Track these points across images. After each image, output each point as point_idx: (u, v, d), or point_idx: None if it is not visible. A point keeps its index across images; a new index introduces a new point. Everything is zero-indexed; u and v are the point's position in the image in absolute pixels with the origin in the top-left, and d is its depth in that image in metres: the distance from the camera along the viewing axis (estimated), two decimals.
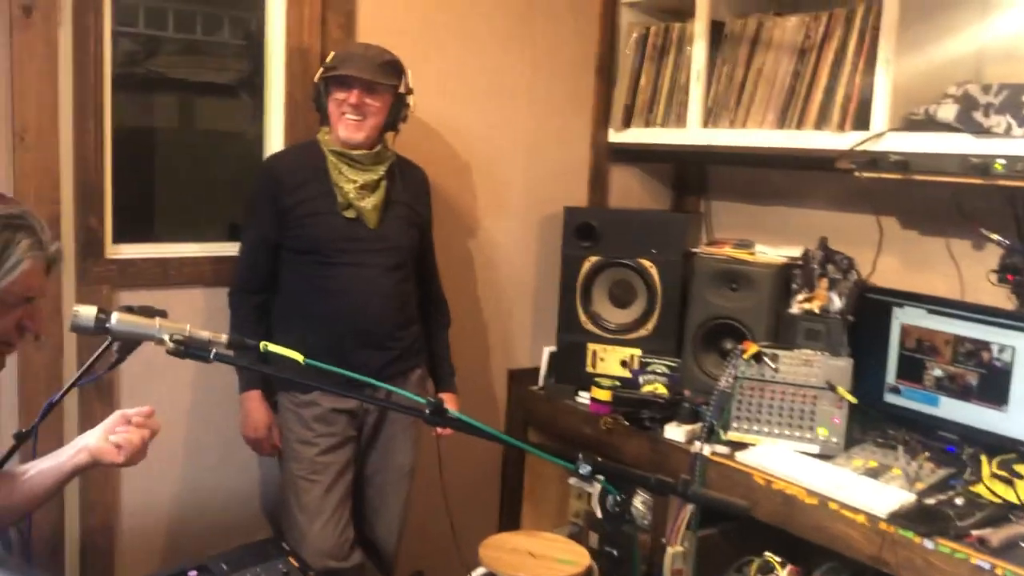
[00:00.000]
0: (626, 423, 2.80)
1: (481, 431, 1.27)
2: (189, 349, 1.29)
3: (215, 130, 3.04)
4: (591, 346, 3.07)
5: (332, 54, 2.47)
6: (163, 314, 1.87)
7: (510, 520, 3.33)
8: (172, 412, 2.62)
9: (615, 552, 1.32)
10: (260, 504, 2.81)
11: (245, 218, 2.57)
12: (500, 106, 3.13)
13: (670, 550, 2.53)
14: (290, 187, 2.45)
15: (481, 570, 2.63)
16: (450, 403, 2.68)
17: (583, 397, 3.02)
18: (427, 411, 1.29)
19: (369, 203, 2.47)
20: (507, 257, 3.24)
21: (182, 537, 2.69)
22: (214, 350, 1.30)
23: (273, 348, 1.33)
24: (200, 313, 2.62)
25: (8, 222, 1.50)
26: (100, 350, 1.91)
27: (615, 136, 3.31)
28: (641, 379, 2.92)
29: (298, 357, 1.34)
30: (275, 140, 2.75)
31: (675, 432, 2.64)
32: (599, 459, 1.32)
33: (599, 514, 1.38)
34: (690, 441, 2.59)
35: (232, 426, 2.64)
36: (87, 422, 2.46)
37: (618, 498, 1.31)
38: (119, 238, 2.53)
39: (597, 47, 3.29)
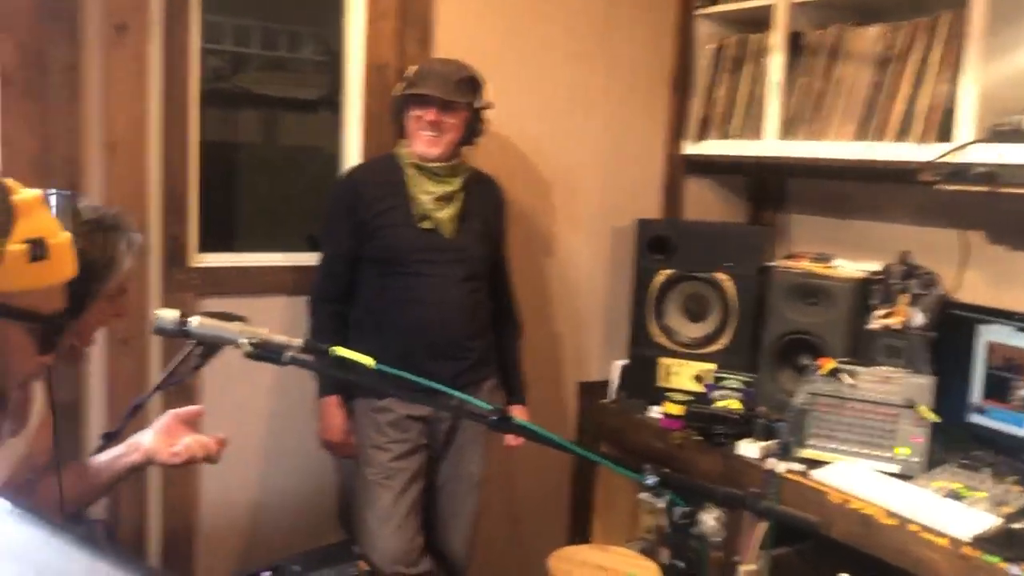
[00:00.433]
0: (698, 438, 2.77)
1: (545, 439, 1.27)
2: (264, 352, 1.33)
3: (296, 144, 3.12)
4: (663, 360, 3.05)
5: (412, 69, 2.52)
6: (243, 320, 1.94)
7: (580, 533, 3.31)
8: (251, 416, 2.69)
9: (681, 564, 1.31)
10: (335, 508, 2.86)
11: (324, 229, 2.63)
12: (576, 119, 3.14)
13: (742, 568, 2.48)
14: (368, 199, 2.51)
15: None
16: (521, 415, 2.70)
17: (654, 411, 2.99)
18: (493, 418, 1.30)
19: (446, 214, 2.51)
20: (580, 269, 3.24)
21: (258, 538, 2.75)
22: (288, 354, 1.34)
23: (343, 352, 1.36)
24: (280, 321, 2.69)
25: (105, 224, 1.59)
26: (183, 354, 1.99)
27: (690, 148, 3.29)
28: (714, 394, 2.88)
29: (369, 361, 1.37)
30: (352, 154, 2.82)
31: (749, 448, 2.60)
32: (666, 470, 1.31)
33: (666, 527, 1.36)
34: (764, 458, 2.54)
35: (309, 431, 2.70)
36: None
37: (685, 510, 1.29)
38: (204, 247, 2.61)
39: (673, 60, 3.28)
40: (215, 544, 2.68)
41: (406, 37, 2.76)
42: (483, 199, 2.63)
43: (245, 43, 2.98)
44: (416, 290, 2.50)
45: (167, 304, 2.49)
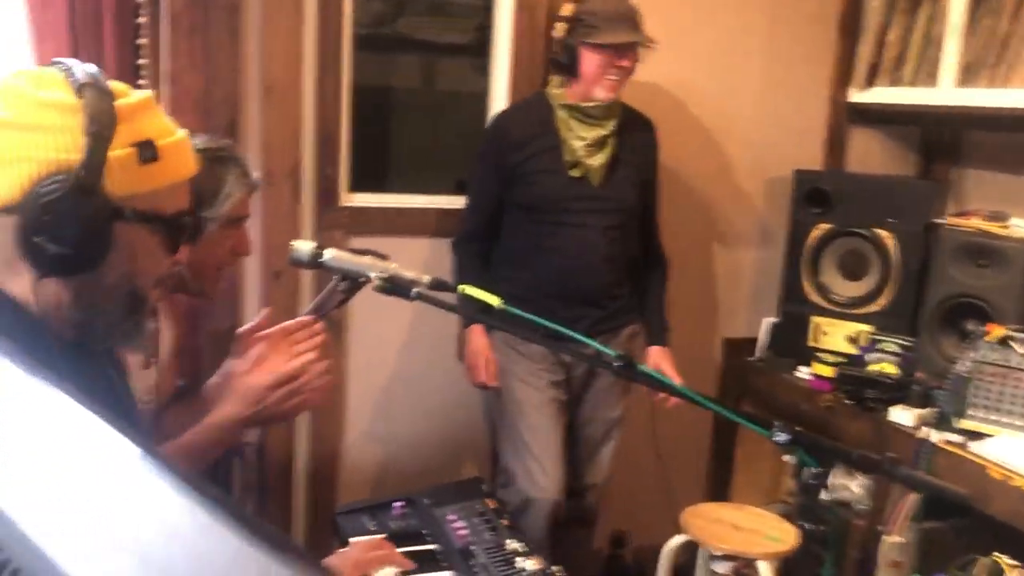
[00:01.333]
0: (848, 402, 2.64)
1: (671, 388, 1.23)
2: (393, 286, 1.35)
3: (449, 89, 3.14)
4: (815, 319, 2.91)
5: (574, 8, 2.39)
6: (385, 258, 1.98)
7: (719, 491, 3.25)
8: (395, 352, 2.77)
9: (808, 527, 1.24)
10: (472, 444, 2.91)
11: (472, 172, 2.63)
12: (732, 63, 3.01)
13: (887, 539, 2.37)
14: (517, 144, 2.47)
15: (682, 537, 2.59)
16: (662, 358, 2.64)
17: (802, 372, 2.87)
18: (617, 364, 1.27)
19: (596, 161, 2.45)
20: (730, 220, 3.13)
21: (395, 469, 2.84)
22: (416, 289, 1.35)
23: (470, 291, 1.36)
24: (424, 262, 2.74)
25: (217, 155, 1.64)
26: (328, 289, 2.06)
27: (857, 96, 3.09)
28: (869, 357, 2.74)
29: (495, 300, 1.36)
30: (500, 97, 2.80)
31: (902, 415, 2.46)
32: (797, 428, 1.24)
33: (795, 488, 1.30)
34: (918, 426, 2.40)
35: (449, 369, 2.75)
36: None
37: (815, 471, 1.23)
38: (354, 187, 2.68)
39: (841, 1, 3.07)
40: (357, 473, 2.80)
41: None
42: (635, 142, 2.55)
43: None
44: (559, 238, 2.48)
45: (318, 241, 2.58)
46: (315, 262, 1.38)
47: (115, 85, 1.06)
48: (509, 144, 2.48)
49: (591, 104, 2.42)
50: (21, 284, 1.03)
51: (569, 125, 2.44)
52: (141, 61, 2.40)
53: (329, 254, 1.39)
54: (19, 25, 3.86)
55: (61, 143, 1.00)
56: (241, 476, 2.02)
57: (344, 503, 2.69)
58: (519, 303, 1.37)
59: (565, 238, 2.47)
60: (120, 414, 1.18)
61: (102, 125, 1.00)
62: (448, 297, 1.38)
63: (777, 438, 1.22)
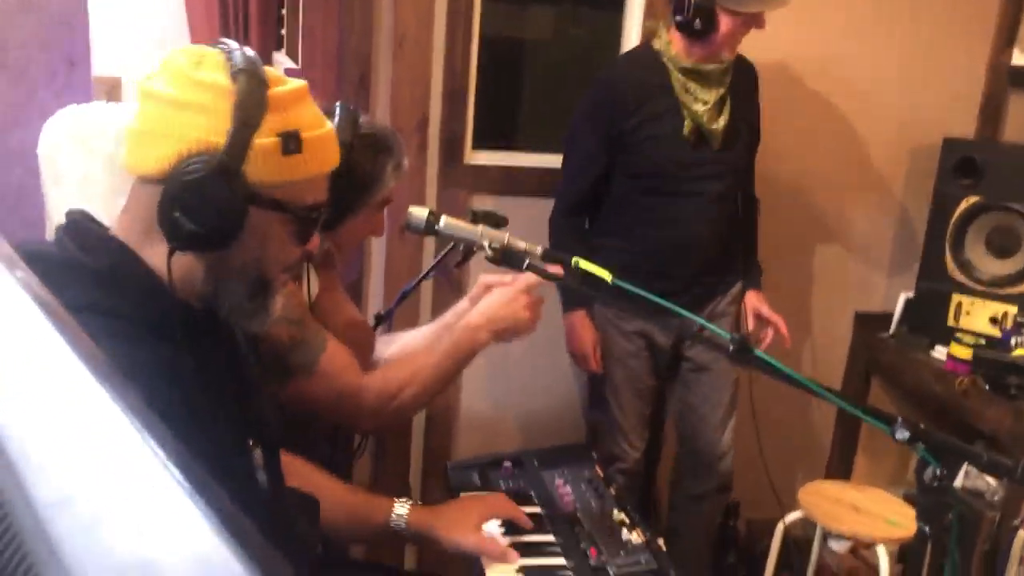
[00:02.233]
0: (986, 387, 2.49)
1: (784, 374, 1.18)
2: (505, 256, 1.34)
3: (580, 42, 3.07)
4: (956, 297, 2.74)
5: None
6: (504, 221, 1.97)
7: (841, 470, 3.14)
8: None
9: (926, 528, 1.18)
10: (580, 410, 2.91)
11: (573, 135, 2.44)
12: (880, 23, 2.83)
13: (1023, 534, 2.25)
14: (631, 107, 2.30)
15: (797, 514, 2.53)
16: (760, 301, 2.55)
17: (939, 352, 2.73)
18: (731, 348, 1.23)
19: (719, 124, 2.31)
20: (868, 187, 2.98)
21: (507, 428, 2.88)
22: (528, 260, 1.34)
23: (585, 265, 1.34)
24: (543, 223, 2.72)
25: (377, 143, 1.68)
26: (446, 250, 2.08)
27: (1020, 58, 2.86)
28: (1014, 340, 2.57)
29: (606, 275, 1.33)
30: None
31: None
32: (921, 425, 1.18)
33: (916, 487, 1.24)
34: None
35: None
36: (440, 312, 2.68)
37: (938, 471, 1.16)
38: (477, 144, 2.67)
39: None
40: (471, 428, 2.84)
41: None
42: (742, 92, 2.39)
43: None
44: (671, 209, 2.35)
45: (442, 199, 2.61)
46: (431, 229, 1.38)
47: (271, 73, 1.08)
48: (623, 106, 2.31)
49: (713, 66, 2.28)
50: (157, 253, 1.07)
51: (687, 87, 2.29)
52: (283, 12, 2.45)
53: (443, 222, 1.39)
54: None
55: (210, 125, 1.03)
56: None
57: (458, 456, 2.76)
58: (626, 279, 1.33)
59: (678, 209, 2.35)
60: (248, 391, 1.23)
61: (250, 112, 1.02)
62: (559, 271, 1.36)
63: (898, 434, 1.16)
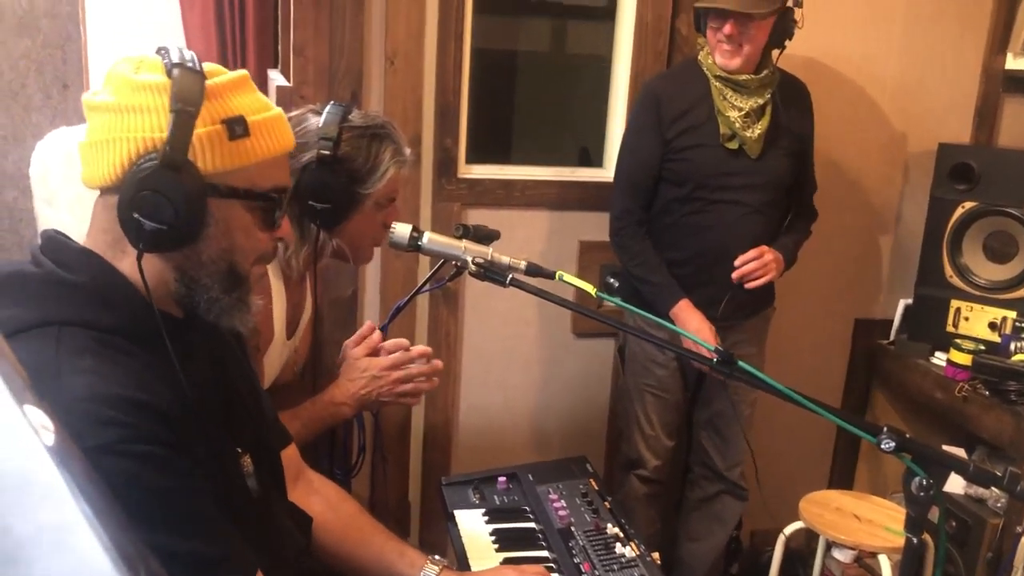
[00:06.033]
0: (987, 393, 2.48)
1: (768, 385, 1.18)
2: (488, 272, 1.34)
3: (572, 54, 3.08)
4: (955, 302, 2.73)
5: None
6: (495, 234, 1.97)
7: (842, 479, 3.13)
8: (510, 326, 2.77)
9: (914, 539, 1.17)
10: (591, 418, 2.91)
11: (627, 143, 2.48)
12: (874, 28, 2.82)
13: None
14: (674, 115, 2.35)
15: (798, 524, 2.52)
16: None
17: (939, 358, 2.72)
18: (715, 359, 1.23)
19: (754, 132, 2.33)
20: (865, 194, 2.97)
21: (509, 441, 2.86)
22: (511, 275, 1.34)
23: (568, 278, 1.33)
24: (541, 235, 2.73)
25: (374, 132, 1.68)
26: (440, 264, 2.07)
27: (1013, 63, 2.85)
28: (1013, 346, 2.56)
29: (590, 289, 1.33)
30: (623, 63, 2.72)
31: None
32: (907, 435, 1.17)
33: (904, 496, 1.23)
34: None
35: (566, 344, 2.73)
36: (435, 325, 2.70)
37: (924, 482, 1.15)
38: (471, 158, 2.68)
39: None
40: (471, 440, 2.83)
41: None
42: (791, 108, 2.41)
43: None
44: (711, 216, 2.36)
45: (436, 212, 2.62)
46: (414, 245, 1.38)
47: (208, 66, 1.08)
48: (666, 114, 2.35)
49: (747, 76, 2.30)
50: (129, 263, 1.07)
51: (724, 95, 2.32)
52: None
53: (427, 238, 1.39)
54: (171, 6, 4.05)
55: (152, 122, 1.04)
56: (359, 438, 2.08)
57: (457, 471, 2.75)
58: None
59: (717, 217, 2.36)
60: (229, 389, 1.23)
61: (186, 102, 1.02)
62: (544, 283, 1.35)
63: (884, 445, 1.15)
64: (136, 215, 1.02)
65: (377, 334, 1.84)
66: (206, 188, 1.05)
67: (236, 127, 1.06)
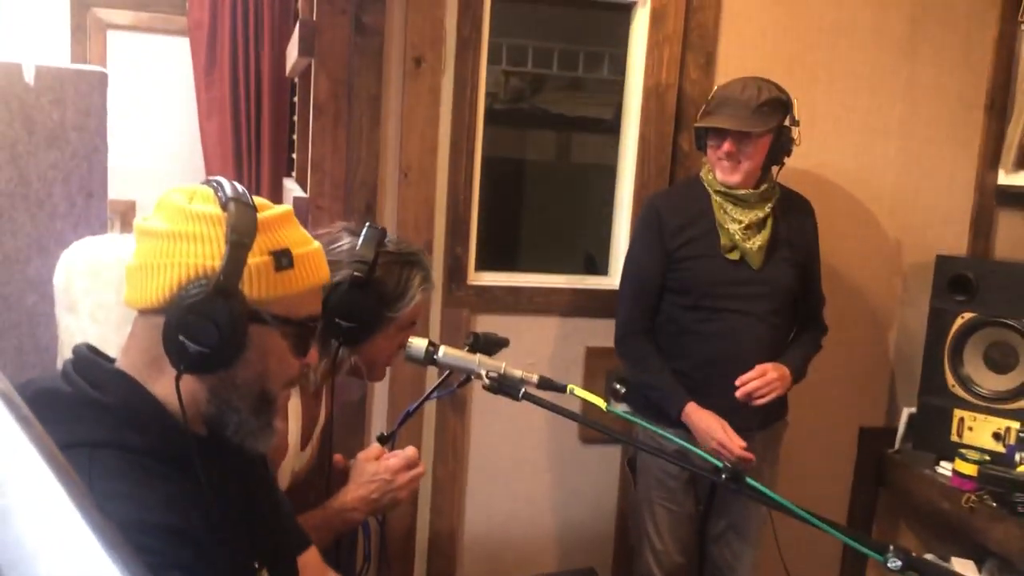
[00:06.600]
0: (994, 504, 2.48)
1: (776, 502, 1.20)
2: (502, 386, 1.38)
3: (579, 163, 3.18)
4: (958, 412, 2.75)
5: (712, 92, 2.44)
6: (505, 342, 2.02)
7: None
8: (517, 431, 2.79)
9: None
10: (599, 528, 2.89)
11: (631, 255, 2.55)
12: (871, 144, 2.93)
13: None
14: (675, 227, 2.42)
15: None
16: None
17: (944, 467, 2.72)
18: (723, 476, 1.25)
19: (755, 244, 2.39)
20: (867, 306, 3.02)
21: (514, 550, 2.84)
22: (523, 389, 1.37)
23: (579, 392, 1.37)
24: (548, 340, 2.77)
25: (408, 259, 1.74)
26: (448, 372, 2.11)
27: (1005, 179, 2.94)
28: (1018, 456, 2.57)
29: (601, 404, 1.37)
30: (628, 176, 2.82)
31: None
32: (914, 554, 1.19)
33: None
34: None
35: (574, 452, 2.73)
36: (442, 430, 2.72)
37: None
38: (480, 266, 2.75)
39: (990, 80, 2.96)
40: (476, 548, 2.81)
41: (688, 63, 2.72)
42: (793, 222, 2.48)
43: (546, 64, 3.10)
44: (715, 325, 2.40)
45: (446, 318, 2.67)
46: (430, 359, 1.42)
47: (258, 200, 1.15)
48: (667, 227, 2.43)
49: (743, 191, 2.38)
50: (164, 383, 1.12)
51: (724, 208, 2.39)
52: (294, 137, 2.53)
53: (442, 352, 1.43)
54: (188, 101, 4.20)
55: (206, 251, 1.09)
56: (364, 545, 2.08)
57: None
58: None
59: (722, 325, 2.39)
60: (250, 503, 1.25)
61: (242, 234, 1.08)
62: (558, 398, 1.39)
63: (891, 563, 1.17)
64: (182, 337, 1.06)
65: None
66: (251, 315, 1.10)
67: (283, 259, 1.12)
